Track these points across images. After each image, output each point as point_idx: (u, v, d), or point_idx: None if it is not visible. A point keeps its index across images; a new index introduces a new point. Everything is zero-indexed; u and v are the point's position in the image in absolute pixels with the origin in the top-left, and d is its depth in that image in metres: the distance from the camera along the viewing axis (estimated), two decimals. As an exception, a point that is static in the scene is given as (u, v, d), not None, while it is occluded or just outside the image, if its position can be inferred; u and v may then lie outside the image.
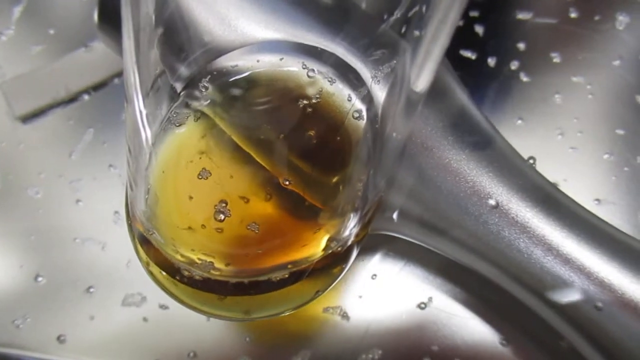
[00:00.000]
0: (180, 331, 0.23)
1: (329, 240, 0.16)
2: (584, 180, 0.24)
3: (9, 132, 0.26)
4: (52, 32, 0.27)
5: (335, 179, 0.17)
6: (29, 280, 0.24)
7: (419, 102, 0.16)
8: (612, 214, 0.24)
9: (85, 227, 0.24)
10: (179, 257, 0.16)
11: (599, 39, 0.26)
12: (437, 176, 0.20)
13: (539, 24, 0.27)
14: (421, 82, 0.15)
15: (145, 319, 0.23)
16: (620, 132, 0.25)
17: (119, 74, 0.26)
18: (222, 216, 0.16)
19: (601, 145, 0.25)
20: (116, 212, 0.24)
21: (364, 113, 0.17)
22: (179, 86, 0.18)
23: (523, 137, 0.24)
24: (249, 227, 0.16)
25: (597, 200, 0.24)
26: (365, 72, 0.18)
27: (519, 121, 0.25)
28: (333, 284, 0.18)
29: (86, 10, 0.28)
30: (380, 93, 0.17)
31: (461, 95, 0.21)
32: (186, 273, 0.16)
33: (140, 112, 0.15)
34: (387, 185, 0.19)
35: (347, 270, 0.22)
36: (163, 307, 0.23)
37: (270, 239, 0.16)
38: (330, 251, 0.16)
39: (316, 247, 0.16)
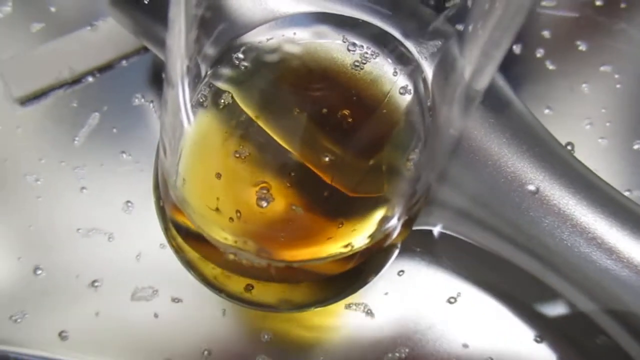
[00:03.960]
0: (194, 327, 0.21)
1: (380, 222, 0.15)
2: (614, 171, 0.24)
3: (6, 115, 0.24)
4: (53, 9, 0.26)
5: (381, 156, 0.16)
6: (28, 273, 0.22)
7: (478, 98, 0.15)
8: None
9: (90, 217, 0.23)
10: (221, 239, 0.15)
11: (625, 28, 0.26)
12: (478, 161, 0.19)
13: (563, 12, 0.26)
14: (481, 81, 0.14)
15: (156, 315, 0.21)
16: (650, 122, 0.24)
17: (127, 56, 0.25)
18: (264, 203, 0.15)
19: (631, 135, 0.24)
20: (128, 202, 0.22)
21: (411, 88, 0.16)
22: (204, 66, 0.17)
23: (552, 126, 0.23)
24: (293, 208, 0.15)
25: (629, 190, 0.23)
26: (411, 47, 0.17)
27: (547, 110, 0.24)
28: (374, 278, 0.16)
29: (90, -11, 0.26)
30: (428, 70, 0.16)
31: (500, 80, 0.20)
32: (231, 257, 0.14)
33: (185, 97, 0.14)
34: (438, 180, 0.18)
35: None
36: (176, 300, 0.21)
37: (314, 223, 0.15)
38: (377, 238, 0.15)
39: (366, 228, 0.15)
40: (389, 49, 0.17)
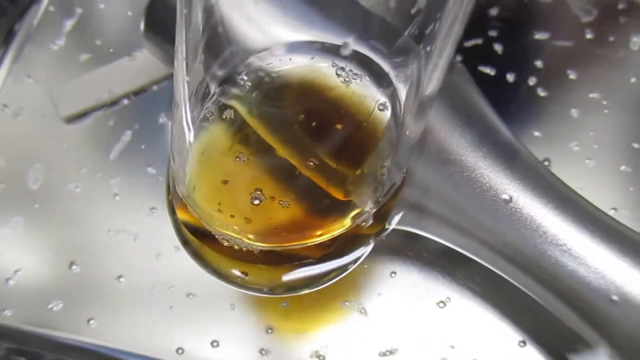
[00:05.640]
0: (205, 319, 0.24)
1: (355, 216, 0.17)
2: (600, 190, 0.25)
3: (55, 132, 0.28)
4: (99, 42, 0.30)
5: (361, 167, 0.19)
6: (64, 268, 0.25)
7: (430, 104, 0.17)
8: (629, 222, 0.24)
9: (119, 220, 0.26)
10: (220, 229, 0.17)
11: (614, 59, 0.27)
12: (454, 171, 0.21)
13: (555, 44, 0.28)
14: (430, 86, 0.16)
15: (171, 307, 0.24)
16: (637, 145, 0.26)
17: (158, 81, 0.28)
18: (257, 201, 0.17)
19: (618, 157, 0.25)
20: (152, 208, 0.25)
21: (388, 105, 0.19)
22: (213, 86, 0.20)
23: (542, 147, 0.25)
24: (286, 207, 0.17)
25: (614, 209, 0.25)
26: (390, 70, 0.19)
27: (537, 133, 0.26)
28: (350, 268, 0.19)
29: (130, 25, 0.30)
30: (402, 90, 0.19)
31: (479, 100, 0.22)
32: (225, 243, 0.17)
33: (187, 113, 0.17)
34: (405, 182, 0.20)
35: (366, 267, 0.24)
36: (190, 295, 0.24)
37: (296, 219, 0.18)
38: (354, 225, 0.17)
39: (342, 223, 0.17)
40: (371, 72, 0.19)
